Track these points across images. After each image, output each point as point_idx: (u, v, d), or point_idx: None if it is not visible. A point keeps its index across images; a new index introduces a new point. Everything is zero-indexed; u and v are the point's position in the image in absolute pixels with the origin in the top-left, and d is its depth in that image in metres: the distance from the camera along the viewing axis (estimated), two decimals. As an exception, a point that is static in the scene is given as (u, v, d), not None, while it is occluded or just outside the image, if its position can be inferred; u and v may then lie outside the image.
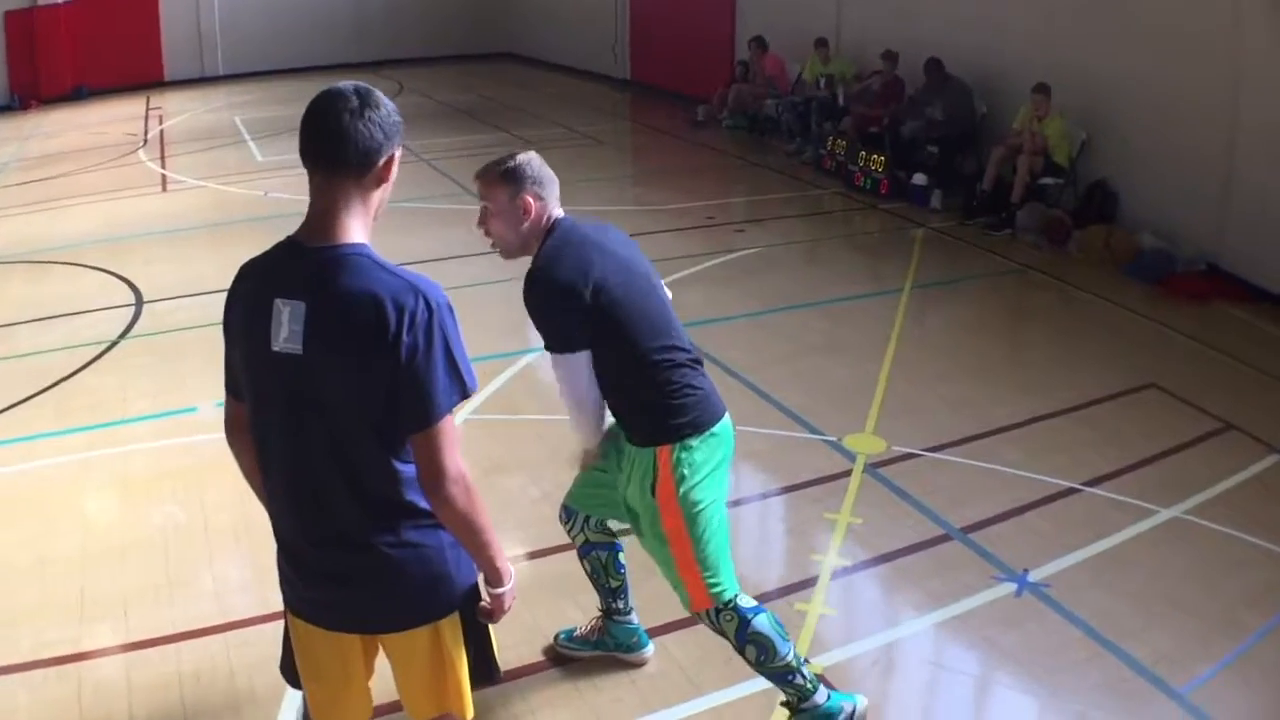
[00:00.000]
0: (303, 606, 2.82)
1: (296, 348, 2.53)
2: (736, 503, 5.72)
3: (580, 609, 4.68)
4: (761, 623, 3.75)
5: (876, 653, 4.58)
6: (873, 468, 6.06)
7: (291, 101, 18.73)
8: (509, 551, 4.93)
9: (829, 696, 3.89)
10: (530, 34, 24.77)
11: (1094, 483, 5.90)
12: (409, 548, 2.68)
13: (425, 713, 2.93)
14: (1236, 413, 6.75)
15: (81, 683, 4.32)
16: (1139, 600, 4.91)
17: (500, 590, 2.81)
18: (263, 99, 19.71)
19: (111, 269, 9.58)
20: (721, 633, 3.81)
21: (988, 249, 10.46)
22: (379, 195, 2.65)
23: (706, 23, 17.95)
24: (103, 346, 7.80)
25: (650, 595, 4.46)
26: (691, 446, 3.66)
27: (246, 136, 16.00)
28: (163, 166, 14.13)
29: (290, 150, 14.76)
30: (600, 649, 4.44)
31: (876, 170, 12.32)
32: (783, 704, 3.96)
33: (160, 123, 17.51)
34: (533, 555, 5.23)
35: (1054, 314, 9.10)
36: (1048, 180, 10.80)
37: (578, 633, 4.49)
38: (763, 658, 3.76)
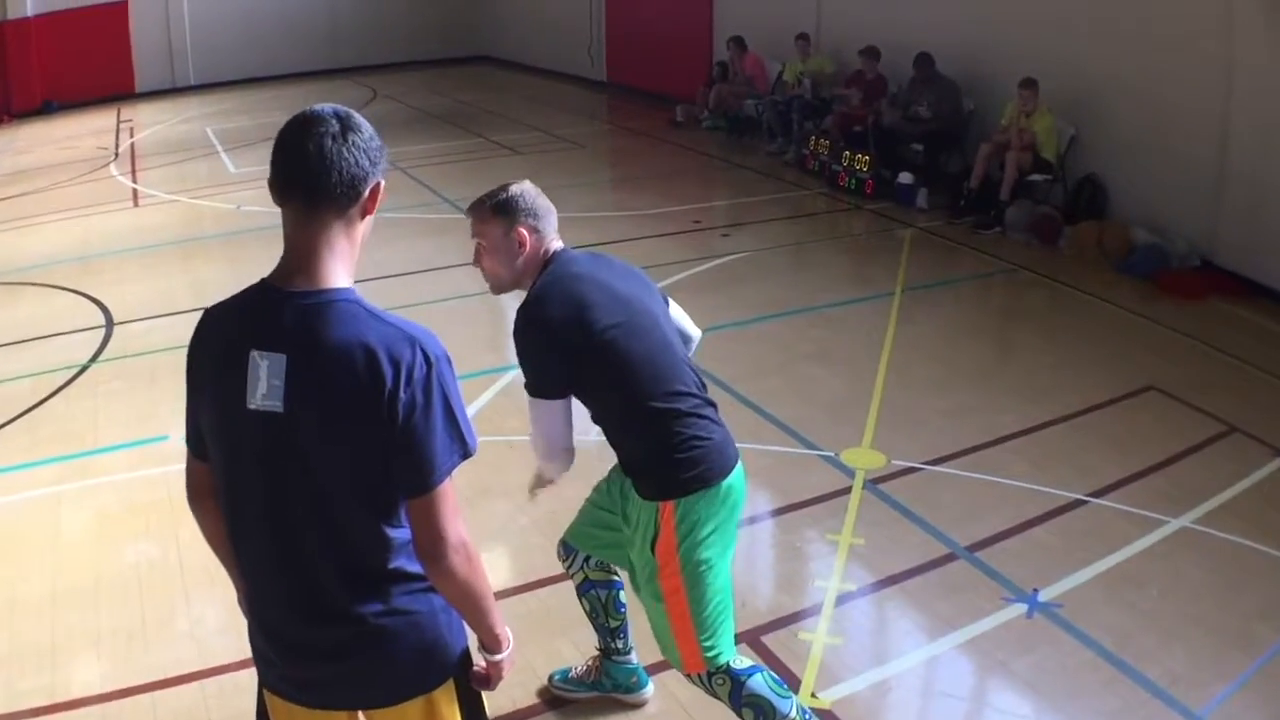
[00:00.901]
0: (283, 686, 2.54)
1: (276, 405, 2.27)
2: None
3: (575, 646, 4.47)
4: (757, 684, 3.53)
5: (886, 683, 4.38)
6: (873, 484, 5.87)
7: (264, 111, 18.64)
8: (497, 585, 4.74)
9: None
10: (505, 37, 24.60)
11: (1100, 493, 5.73)
12: (400, 615, 2.43)
13: None
14: (1238, 414, 6.62)
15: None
16: (1152, 617, 4.75)
17: (498, 657, 2.58)
18: (235, 109, 19.47)
19: (82, 289, 9.32)
20: (715, 695, 3.59)
21: (977, 248, 10.30)
22: (363, 229, 2.40)
23: (683, 23, 17.79)
24: (73, 371, 7.55)
25: (649, 629, 4.22)
26: (698, 502, 3.41)
27: (219, 148, 15.74)
28: (134, 180, 13.87)
29: (264, 161, 14.57)
30: (597, 690, 4.23)
31: (861, 170, 12.14)
32: None
33: (131, 135, 17.23)
34: (523, 588, 5.01)
35: (1048, 314, 8.93)
36: (1036, 176, 10.66)
37: (574, 673, 4.27)
38: (761, 719, 3.54)
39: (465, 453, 2.37)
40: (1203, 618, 4.75)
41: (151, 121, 18.52)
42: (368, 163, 2.32)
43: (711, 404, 3.53)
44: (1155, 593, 4.92)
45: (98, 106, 20.10)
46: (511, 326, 3.41)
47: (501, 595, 4.90)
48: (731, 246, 10.39)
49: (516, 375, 7.30)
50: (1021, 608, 4.79)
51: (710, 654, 3.50)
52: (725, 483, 3.44)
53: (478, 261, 3.50)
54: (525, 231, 3.40)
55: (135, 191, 13.26)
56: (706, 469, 3.41)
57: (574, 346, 3.31)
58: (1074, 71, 10.51)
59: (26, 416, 6.88)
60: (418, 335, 2.31)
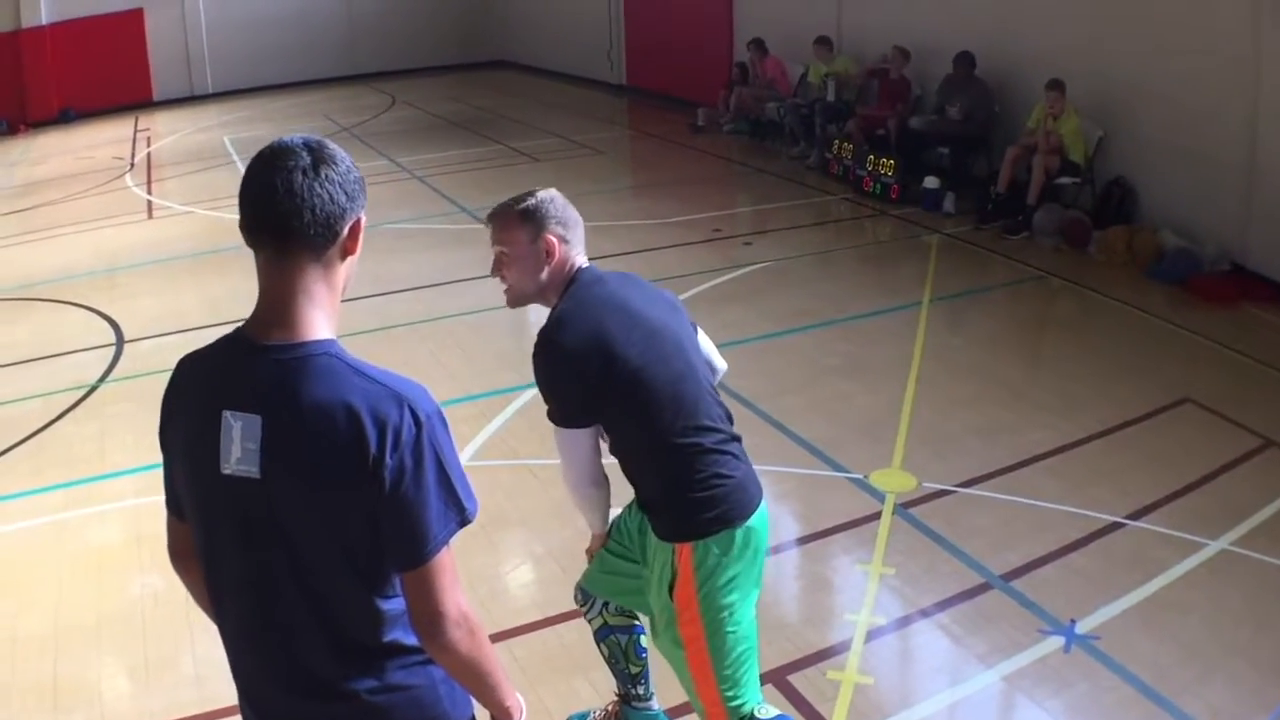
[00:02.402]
0: None
1: (252, 470, 2.07)
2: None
3: (593, 687, 4.29)
4: None
5: (920, 726, 4.19)
6: (903, 508, 5.66)
7: (282, 118, 18.56)
8: (511, 621, 4.54)
9: None
10: (523, 41, 24.45)
11: (1138, 515, 5.54)
12: (398, 691, 2.22)
13: None
14: (1274, 426, 6.45)
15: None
16: (1191, 648, 4.57)
17: None
18: (253, 117, 19.36)
19: (93, 305, 9.19)
20: None
21: (1005, 254, 10.08)
22: (344, 272, 2.18)
23: (703, 26, 17.57)
24: (82, 392, 7.41)
25: (667, 667, 4.02)
26: (718, 544, 3.19)
27: (235, 157, 15.60)
28: (149, 192, 13.76)
29: None
30: (617, 736, 4.03)
31: (886, 174, 11.92)
32: None
33: (148, 145, 17.14)
34: (540, 624, 4.80)
35: (1080, 324, 8.70)
36: (1064, 180, 10.43)
37: (591, 718, 4.07)
38: None
39: (463, 520, 2.17)
40: (1243, 647, 4.58)
41: (169, 130, 18.43)
42: (344, 198, 2.10)
43: (737, 439, 3.32)
44: (1195, 621, 4.74)
45: (116, 115, 20.03)
46: (533, 362, 3.21)
47: (517, 632, 4.74)
48: (753, 255, 10.20)
49: (536, 395, 7.19)
50: (1059, 641, 4.60)
51: (734, 704, 3.31)
52: (747, 524, 3.24)
53: (498, 271, 3.25)
54: (554, 240, 3.18)
55: (150, 203, 13.14)
56: (727, 509, 3.20)
57: (595, 376, 3.09)
58: (1101, 73, 10.30)
59: (33, 440, 6.74)
60: (406, 392, 2.10)
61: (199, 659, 4.62)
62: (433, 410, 2.12)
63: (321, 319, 2.13)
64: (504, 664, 2.35)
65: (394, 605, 2.20)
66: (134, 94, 20.83)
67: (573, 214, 3.25)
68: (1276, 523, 5.47)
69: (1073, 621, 4.70)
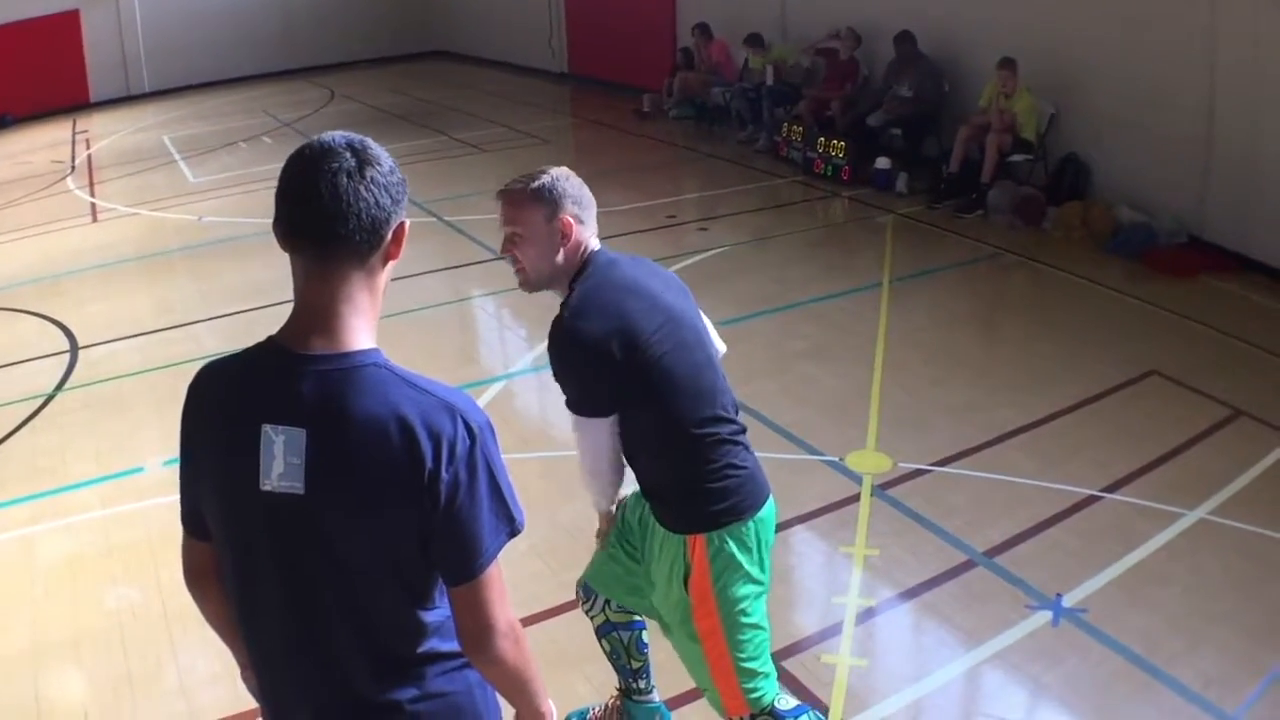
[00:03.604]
0: None
1: (297, 486, 1.98)
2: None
3: (589, 682, 4.25)
4: None
5: (917, 706, 4.19)
6: (881, 489, 5.67)
7: (220, 116, 18.33)
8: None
9: None
10: (462, 31, 24.24)
11: (1113, 488, 5.59)
12: (437, 698, 2.17)
13: None
14: (1241, 396, 6.53)
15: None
16: (1178, 618, 4.62)
17: None
18: (191, 115, 19.05)
19: (43, 312, 8.97)
20: None
21: (961, 233, 10.14)
22: (385, 277, 2.11)
23: (646, 10, 17.50)
24: (39, 401, 7.23)
25: (665, 657, 3.96)
26: (732, 536, 3.16)
27: (177, 156, 15.35)
28: (92, 194, 13.47)
29: (224, 169, 14.48)
30: (618, 731, 4.00)
31: (837, 156, 11.93)
32: None
33: (88, 147, 16.79)
34: (526, 620, 4.70)
35: (1040, 300, 8.75)
36: (1017, 157, 10.50)
37: (592, 715, 4.03)
38: None
39: (513, 531, 2.12)
40: (1229, 615, 4.63)
41: (108, 131, 18.09)
42: (389, 201, 2.02)
43: (745, 430, 3.28)
44: (1179, 591, 4.80)
45: (53, 118, 19.63)
46: (550, 349, 3.12)
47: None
48: (709, 241, 10.17)
49: (503, 388, 7.17)
50: (1046, 615, 4.63)
51: (753, 695, 3.28)
52: (759, 515, 3.21)
53: (509, 251, 3.14)
54: (570, 220, 3.08)
55: (94, 206, 12.88)
56: (740, 500, 3.17)
57: (618, 364, 3.01)
58: (1052, 49, 10.34)
59: (-7, 454, 6.58)
60: (457, 403, 2.03)
61: (183, 670, 4.53)
62: (484, 421, 2.06)
63: (364, 327, 2.07)
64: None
65: (436, 616, 2.15)
66: (70, 96, 20.37)
67: (587, 194, 3.16)
68: (1251, 491, 5.54)
69: (1059, 596, 4.73)
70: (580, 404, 3.12)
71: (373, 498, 1.99)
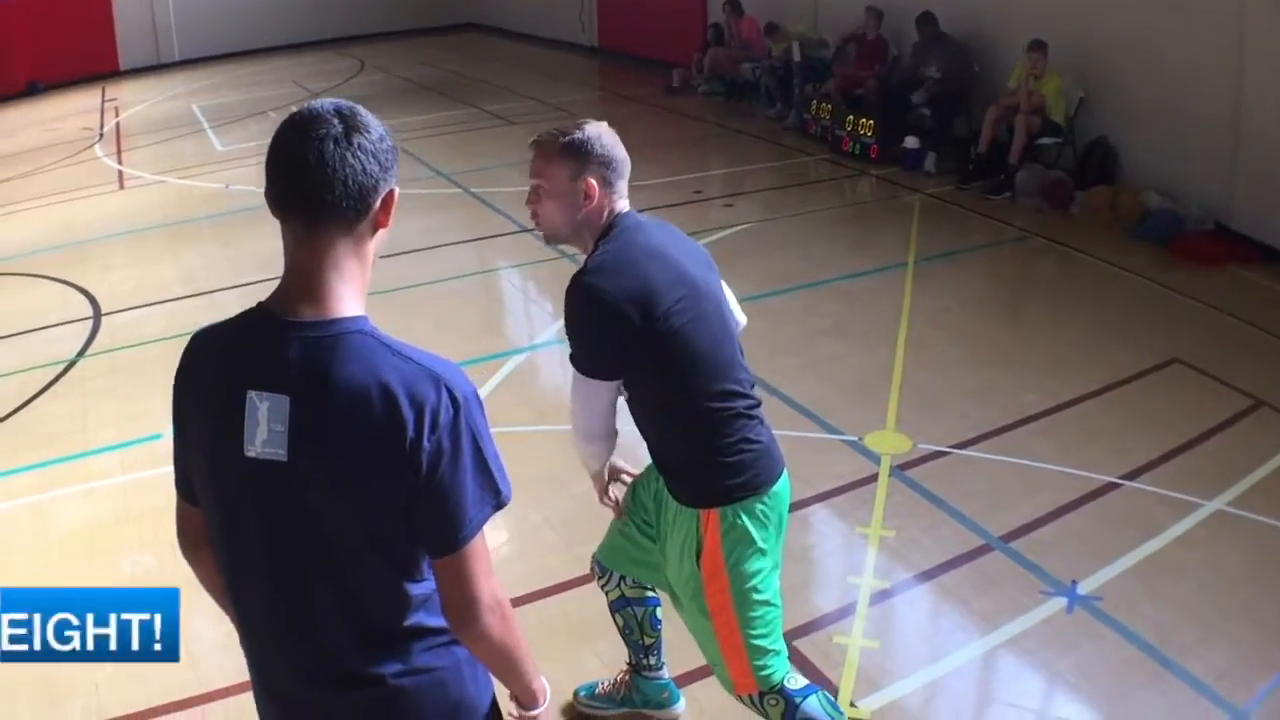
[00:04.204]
0: None
1: (280, 453, 1.98)
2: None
3: (600, 658, 4.24)
4: (812, 706, 3.27)
5: (927, 689, 4.17)
6: (899, 470, 5.64)
7: (250, 85, 18.36)
8: (511, 591, 4.50)
9: None
10: (493, 3, 24.25)
11: (1133, 475, 5.53)
12: (423, 674, 2.15)
13: None
14: (1264, 387, 6.44)
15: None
16: (1193, 609, 4.57)
17: (536, 712, 2.31)
18: (220, 84, 19.11)
19: (68, 278, 9.02)
20: (765, 716, 3.32)
21: (987, 215, 10.06)
22: (375, 245, 2.10)
23: (676, -14, 17.37)
24: (61, 367, 7.27)
25: (677, 634, 3.94)
26: (746, 511, 3.13)
27: (205, 125, 15.41)
28: (119, 162, 13.54)
29: (251, 138, 14.49)
30: (626, 706, 3.99)
31: (865, 134, 11.86)
32: None
33: (117, 115, 16.87)
34: (539, 594, 4.75)
35: (1065, 284, 8.67)
36: (1045, 140, 10.39)
37: (600, 689, 4.03)
38: None
39: (499, 503, 2.09)
40: (1243, 609, 4.57)
41: (137, 100, 18.16)
42: (378, 168, 2.01)
43: (760, 404, 3.24)
44: (1194, 582, 4.75)
45: (83, 86, 19.70)
46: (567, 304, 3.08)
47: (517, 603, 4.66)
48: (735, 217, 10.15)
49: (521, 362, 7.16)
50: (1061, 602, 4.59)
51: (763, 673, 3.25)
52: (774, 490, 3.18)
53: (533, 203, 3.12)
54: (595, 182, 3.03)
55: (121, 173, 12.95)
56: (754, 475, 3.14)
57: (634, 329, 2.96)
58: (1081, 32, 10.22)
59: (14, 418, 6.61)
60: (442, 372, 2.01)
61: (193, 639, 4.49)
62: (470, 391, 2.04)
63: (352, 295, 2.05)
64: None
65: (422, 589, 2.13)
66: (100, 64, 20.47)
67: (620, 153, 3.10)
68: (1271, 483, 5.47)
69: (1074, 582, 4.69)
70: (586, 363, 3.09)
71: (354, 465, 1.98)
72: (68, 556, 5.20)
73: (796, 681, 3.30)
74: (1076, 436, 5.94)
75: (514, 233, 9.47)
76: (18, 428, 6.52)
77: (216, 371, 2.08)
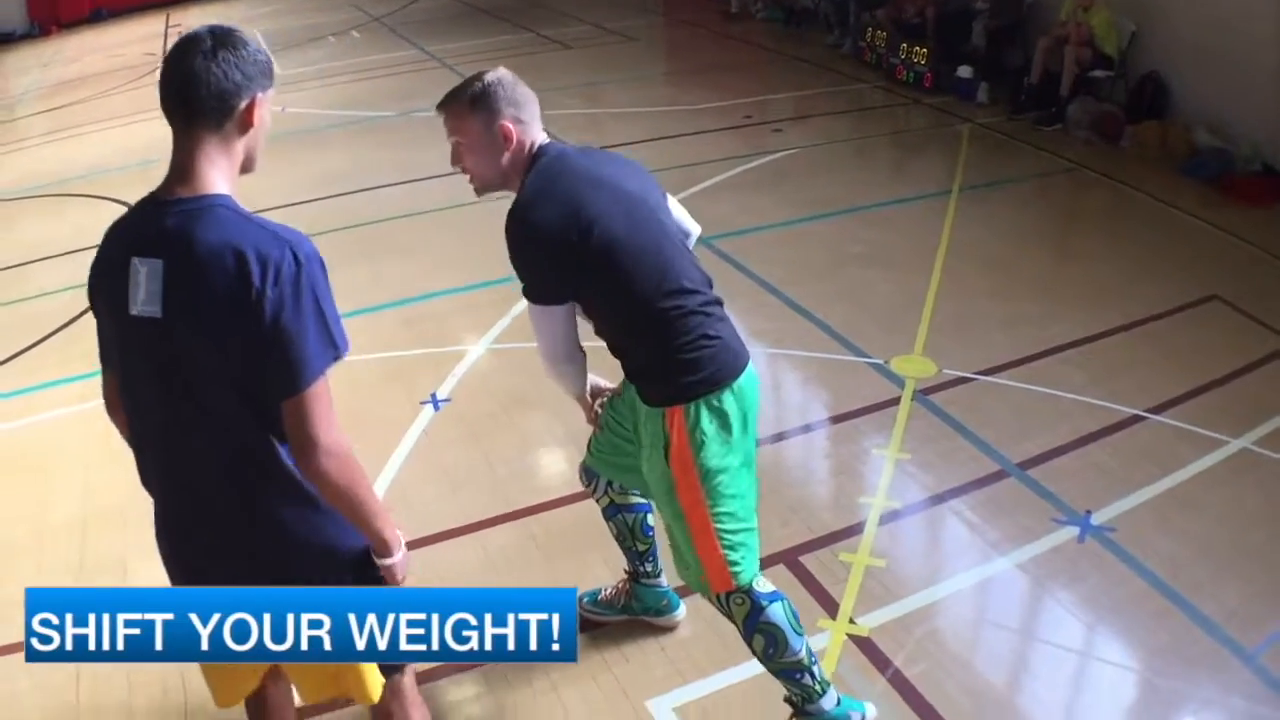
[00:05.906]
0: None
1: (155, 310, 2.31)
2: (778, 436, 5.40)
3: (607, 565, 4.34)
4: (776, 612, 3.32)
5: (928, 610, 4.21)
6: (923, 394, 5.67)
7: (310, 11, 18.41)
8: (531, 499, 4.56)
9: (838, 702, 3.49)
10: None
11: (1159, 409, 5.49)
12: (295, 521, 2.47)
13: (318, 695, 2.75)
14: (1302, 329, 6.32)
15: (80, 666, 4.02)
16: (1207, 547, 4.53)
17: (388, 561, 2.55)
18: (282, 9, 19.22)
19: (126, 200, 9.10)
20: (730, 616, 3.38)
21: (1037, 145, 9.94)
22: (244, 143, 2.42)
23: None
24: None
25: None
26: (708, 406, 3.17)
27: (265, 49, 15.49)
28: (180, 84, 13.69)
29: (310, 62, 14.58)
30: (627, 613, 4.11)
31: (919, 63, 11.75)
32: (786, 700, 3.52)
33: (179, 39, 17.01)
34: (556, 503, 4.88)
35: (1109, 218, 8.59)
36: (1097, 73, 10.25)
37: (602, 596, 4.14)
38: (771, 650, 3.34)
39: (337, 355, 2.36)
40: (1260, 549, 4.51)
41: (200, 25, 18.25)
42: (240, 76, 2.35)
43: (719, 301, 3.28)
44: (1212, 520, 4.71)
45: (146, 13, 19.87)
46: (507, 240, 3.17)
47: (537, 509, 4.85)
48: (783, 142, 10.12)
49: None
50: (1073, 530, 4.61)
51: (735, 569, 3.29)
52: (736, 383, 3.21)
53: (457, 161, 3.23)
54: (509, 124, 3.12)
55: (181, 96, 13.09)
56: (715, 370, 3.18)
57: (572, 249, 3.05)
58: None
59: (62, 332, 6.81)
60: (288, 236, 2.32)
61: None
62: (312, 253, 2.33)
63: (219, 178, 2.37)
64: (382, 502, 2.51)
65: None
66: (165, -11, 20.65)
67: (523, 91, 3.18)
68: (1299, 425, 5.40)
69: (1088, 513, 4.70)
70: (537, 292, 3.17)
71: (212, 317, 2.27)
72: (106, 460, 5.32)
73: (765, 585, 3.35)
74: (1105, 369, 5.92)
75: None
76: (66, 342, 6.70)
77: (112, 248, 2.41)
